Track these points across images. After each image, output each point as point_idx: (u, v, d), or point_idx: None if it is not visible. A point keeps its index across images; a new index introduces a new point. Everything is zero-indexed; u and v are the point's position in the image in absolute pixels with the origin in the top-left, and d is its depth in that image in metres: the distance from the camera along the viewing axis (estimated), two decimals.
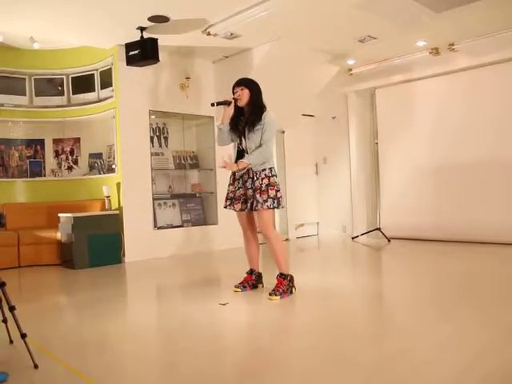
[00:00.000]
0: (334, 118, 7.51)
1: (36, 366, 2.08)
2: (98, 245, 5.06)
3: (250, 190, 3.41)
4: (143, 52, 4.98)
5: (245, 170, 3.42)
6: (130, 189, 5.44)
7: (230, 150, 3.67)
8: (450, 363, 2.02)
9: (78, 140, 6.10)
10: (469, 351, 2.17)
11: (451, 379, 1.89)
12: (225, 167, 3.41)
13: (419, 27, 5.14)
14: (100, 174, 5.89)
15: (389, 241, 6.41)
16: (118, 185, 5.50)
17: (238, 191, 3.51)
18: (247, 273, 3.67)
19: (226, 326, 2.88)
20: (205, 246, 6.06)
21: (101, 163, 5.95)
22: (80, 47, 5.72)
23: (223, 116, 3.54)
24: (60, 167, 6.08)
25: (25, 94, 5.86)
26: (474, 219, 5.90)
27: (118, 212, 5.38)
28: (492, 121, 5.82)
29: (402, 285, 3.84)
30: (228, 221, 5.66)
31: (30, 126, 5.98)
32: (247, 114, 3.47)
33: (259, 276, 3.69)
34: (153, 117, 5.96)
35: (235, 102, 3.48)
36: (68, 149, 6.10)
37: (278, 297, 3.29)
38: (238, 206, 3.50)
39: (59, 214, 5.18)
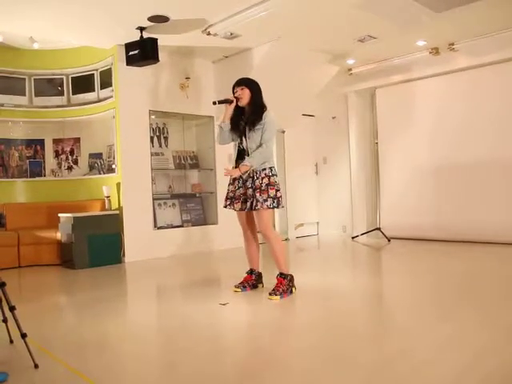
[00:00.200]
0: (334, 117, 7.51)
1: (36, 366, 2.08)
2: (97, 245, 5.06)
3: (250, 190, 3.41)
4: (143, 52, 4.97)
5: None
6: (129, 189, 5.44)
7: (231, 149, 3.67)
8: (450, 363, 2.02)
9: (77, 140, 6.10)
10: (469, 351, 2.17)
11: (451, 379, 1.89)
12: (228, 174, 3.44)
13: (419, 27, 5.14)
14: (100, 174, 5.89)
15: (389, 241, 6.41)
16: (118, 185, 5.50)
17: (237, 191, 3.51)
18: (247, 273, 3.67)
19: (226, 326, 2.88)
20: (205, 245, 6.06)
21: (101, 163, 5.95)
22: (80, 47, 5.72)
23: (225, 114, 3.55)
24: (60, 167, 6.08)
25: (25, 94, 5.86)
26: (474, 219, 5.90)
27: (118, 212, 5.38)
28: (492, 121, 5.82)
29: (401, 285, 3.84)
30: (228, 221, 5.67)
31: (29, 125, 5.98)
32: (248, 114, 3.47)
33: (259, 276, 3.68)
34: (153, 117, 5.96)
35: (236, 101, 3.49)
36: (68, 149, 6.10)
37: (278, 296, 3.29)
38: (238, 206, 3.50)
39: (59, 214, 5.18)
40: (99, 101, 5.77)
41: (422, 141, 6.49)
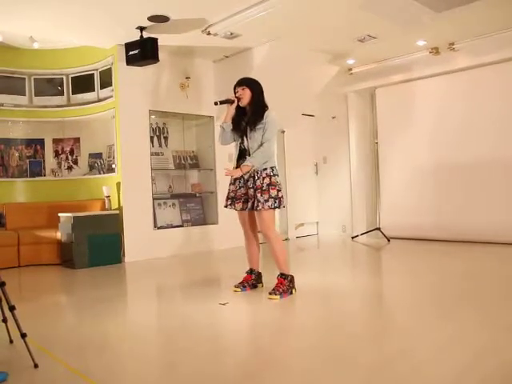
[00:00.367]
0: (333, 117, 7.51)
1: (36, 366, 2.08)
2: (97, 245, 5.06)
3: (251, 190, 3.41)
4: (143, 52, 4.97)
5: None
6: (129, 189, 5.44)
7: (231, 149, 3.67)
8: (450, 363, 2.02)
9: (77, 140, 6.10)
10: (469, 351, 2.17)
11: (451, 379, 1.89)
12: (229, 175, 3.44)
13: (419, 27, 5.14)
14: (100, 173, 5.89)
15: (388, 241, 6.41)
16: (118, 185, 5.50)
17: (239, 190, 3.50)
18: (247, 272, 3.67)
19: (225, 326, 2.88)
20: (205, 245, 6.06)
21: (101, 163, 5.95)
22: (80, 47, 5.71)
23: (226, 115, 3.55)
24: (60, 167, 6.08)
25: (24, 94, 5.86)
26: (474, 219, 5.90)
27: (118, 212, 5.38)
28: (492, 120, 5.82)
29: (401, 285, 3.83)
30: (228, 220, 5.67)
31: (29, 125, 5.98)
32: (249, 114, 3.47)
33: (259, 276, 3.68)
34: (153, 117, 5.95)
35: (238, 101, 3.48)
36: (68, 149, 6.10)
37: (278, 296, 3.29)
38: (239, 206, 3.49)
39: (59, 214, 5.18)
40: (99, 100, 5.76)
41: (422, 141, 6.49)
